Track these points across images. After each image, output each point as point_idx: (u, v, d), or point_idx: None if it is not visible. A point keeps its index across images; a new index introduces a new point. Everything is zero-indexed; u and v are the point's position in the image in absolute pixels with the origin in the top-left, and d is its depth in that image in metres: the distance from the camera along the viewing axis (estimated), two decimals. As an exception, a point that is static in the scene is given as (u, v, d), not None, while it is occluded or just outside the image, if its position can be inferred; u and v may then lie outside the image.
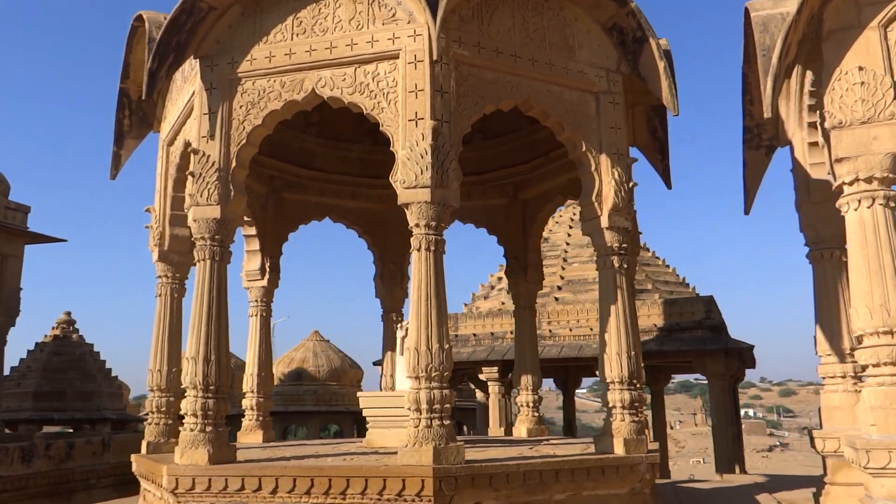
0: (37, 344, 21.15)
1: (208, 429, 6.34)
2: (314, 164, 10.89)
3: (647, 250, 17.85)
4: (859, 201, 6.19)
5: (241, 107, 6.79)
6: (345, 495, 5.71)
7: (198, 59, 7.01)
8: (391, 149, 6.42)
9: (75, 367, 20.48)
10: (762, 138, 9.19)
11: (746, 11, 7.77)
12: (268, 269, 10.22)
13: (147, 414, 8.06)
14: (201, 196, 6.62)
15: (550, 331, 15.65)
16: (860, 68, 6.25)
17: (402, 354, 8.66)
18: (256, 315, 10.04)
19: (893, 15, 6.23)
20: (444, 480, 5.55)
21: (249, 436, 9.61)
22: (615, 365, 6.80)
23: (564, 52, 7.12)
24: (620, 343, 6.82)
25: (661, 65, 7.06)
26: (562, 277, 16.62)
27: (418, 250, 6.15)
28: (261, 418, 9.79)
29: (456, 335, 16.36)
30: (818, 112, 6.79)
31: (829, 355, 8.04)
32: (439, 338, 5.92)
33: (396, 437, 7.97)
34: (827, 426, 7.91)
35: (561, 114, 7.02)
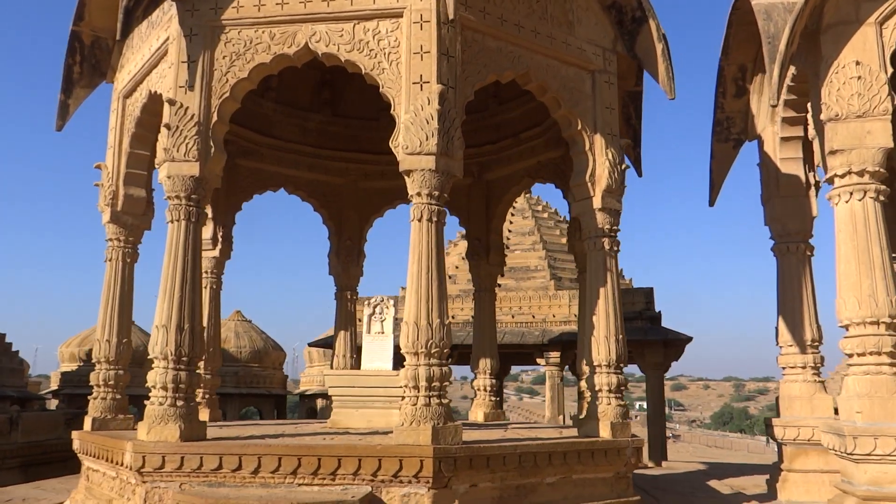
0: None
1: (179, 403, 5.82)
2: (271, 132, 10.31)
3: (586, 241, 18.02)
4: (851, 193, 6.32)
5: (224, 57, 6.26)
6: (335, 476, 5.36)
7: (173, 2, 6.40)
8: (392, 112, 6.08)
9: (-29, 341, 18.86)
10: (731, 132, 9.34)
11: (736, 3, 7.84)
12: (220, 239, 9.63)
13: (92, 387, 7.39)
14: (178, 151, 6.06)
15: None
16: (857, 63, 6.37)
17: (370, 333, 8.32)
18: (206, 287, 9.41)
19: (890, 12, 6.37)
20: (443, 461, 5.29)
21: (195, 415, 9.01)
22: (602, 348, 6.71)
23: (564, 26, 6.94)
24: (609, 326, 6.73)
25: (659, 47, 7.00)
26: (504, 265, 16.54)
27: (419, 220, 5.84)
28: (206, 396, 9.20)
29: (397, 318, 16.01)
30: (811, 105, 6.89)
31: (791, 346, 8.24)
32: (440, 312, 5.64)
33: (364, 418, 7.66)
34: (786, 415, 8.11)
35: (558, 90, 6.84)
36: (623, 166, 7.00)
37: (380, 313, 8.35)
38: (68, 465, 12.83)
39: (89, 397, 7.39)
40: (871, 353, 6.04)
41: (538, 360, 15.13)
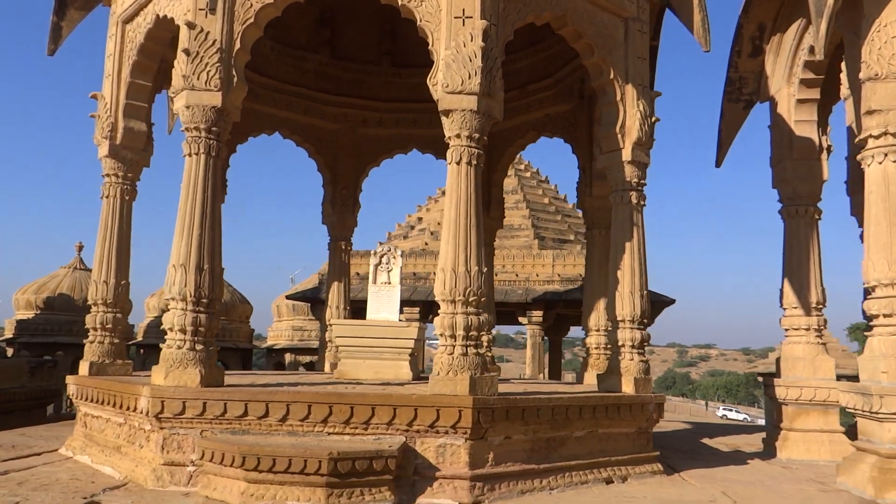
0: None
1: (199, 347, 5.51)
2: (267, 71, 9.82)
3: (567, 202, 17.98)
4: (885, 155, 6.26)
5: (248, -20, 5.81)
6: (368, 425, 5.15)
7: (190, -82, 5.91)
8: (430, 48, 5.74)
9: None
10: (743, 92, 9.24)
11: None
12: (214, 182, 9.15)
13: (89, 330, 6.99)
14: (198, 79, 5.64)
15: (476, 274, 15.44)
16: (900, 22, 6.27)
17: (376, 283, 8.06)
18: (199, 231, 8.99)
19: (935, -29, 6.26)
20: (482, 412, 5.12)
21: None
22: (627, 303, 6.60)
23: (601, -31, 6.66)
24: (634, 281, 6.62)
25: (696, -4, 6.78)
26: (503, 219, 16.36)
27: (457, 163, 5.58)
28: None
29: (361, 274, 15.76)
30: (845, 65, 6.78)
31: (795, 308, 8.29)
32: (478, 259, 5.42)
33: (372, 369, 7.46)
34: (788, 375, 8.20)
35: (592, 36, 6.59)
36: (653, 119, 6.82)
37: (386, 263, 8.09)
38: (32, 414, 12.35)
39: (86, 341, 6.99)
40: (898, 315, 6.06)
41: (520, 319, 15.09)
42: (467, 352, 5.31)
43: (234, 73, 5.73)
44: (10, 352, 21.72)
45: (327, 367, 10.02)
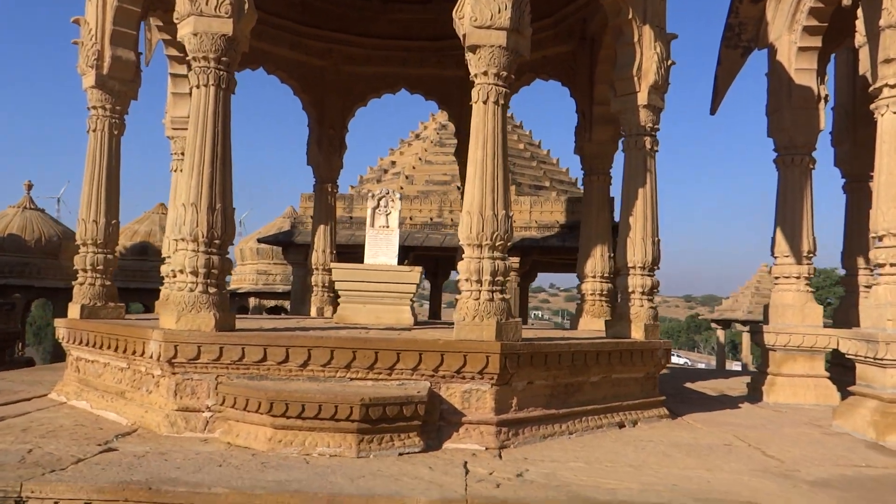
0: None
1: (211, 290, 5.27)
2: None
3: (542, 149, 17.85)
4: (900, 104, 6.28)
5: None
6: (392, 371, 5.03)
7: None
8: (455, -22, 5.44)
9: None
10: (742, 38, 9.16)
11: None
12: (198, 118, 8.71)
13: (78, 272, 6.65)
14: (206, 4, 5.25)
15: (452, 220, 15.29)
16: (922, -31, 6.21)
17: (374, 227, 7.86)
18: (182, 171, 8.58)
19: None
20: (508, 358, 5.04)
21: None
22: (639, 249, 6.56)
23: None
24: (646, 227, 6.57)
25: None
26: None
27: (484, 102, 5.36)
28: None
29: (350, 217, 15.50)
30: (862, 12, 6.72)
31: (787, 257, 8.41)
32: (505, 203, 5.26)
33: (372, 314, 7.32)
34: (777, 322, 8.36)
35: (613, -28, 6.36)
36: (669, 62, 6.68)
37: (384, 206, 7.88)
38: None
39: (74, 283, 6.65)
40: (906, 263, 6.17)
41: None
42: (493, 297, 5.20)
43: (245, -1, 5.34)
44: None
45: (313, 312, 9.84)
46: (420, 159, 16.70)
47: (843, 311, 10.07)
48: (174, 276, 6.30)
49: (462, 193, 10.54)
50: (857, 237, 10.25)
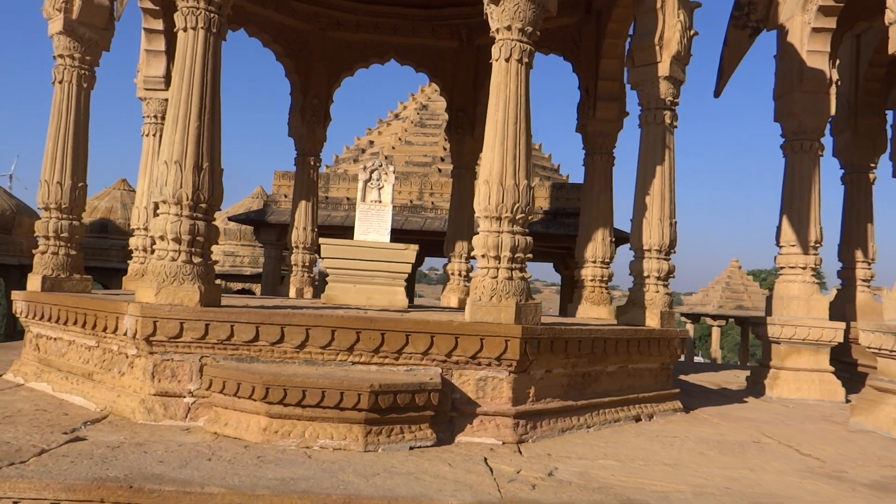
0: None
1: (196, 260, 4.67)
2: (233, -44, 8.59)
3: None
4: (935, 85, 5.95)
5: None
6: (399, 355, 4.50)
7: None
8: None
9: None
10: (751, 18, 8.78)
11: None
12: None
13: (39, 240, 5.96)
14: (197, -65, 4.62)
15: (433, 203, 14.75)
16: (961, -59, 5.87)
17: (365, 201, 7.30)
18: (155, 135, 7.91)
19: None
20: (529, 343, 4.56)
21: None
22: (656, 231, 6.13)
23: None
24: (664, 208, 6.14)
25: None
26: (444, 149, 15.60)
27: (506, 60, 4.82)
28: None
29: (326, 197, 14.84)
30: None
31: (793, 246, 8.08)
32: (527, 172, 4.76)
33: (363, 295, 6.78)
34: (782, 314, 8.02)
35: (638, -69, 5.89)
36: (692, 32, 6.24)
37: (377, 180, 7.31)
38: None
39: (35, 251, 5.96)
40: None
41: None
42: (513, 276, 4.70)
43: (240, -68, 4.72)
44: None
45: (292, 293, 9.23)
46: (400, 139, 16.10)
47: (839, 305, 9.82)
48: (151, 247, 5.67)
49: (454, 172, 10.03)
50: (855, 229, 10.01)
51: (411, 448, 4.12)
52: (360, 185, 7.35)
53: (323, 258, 6.93)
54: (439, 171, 15.28)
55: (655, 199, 6.16)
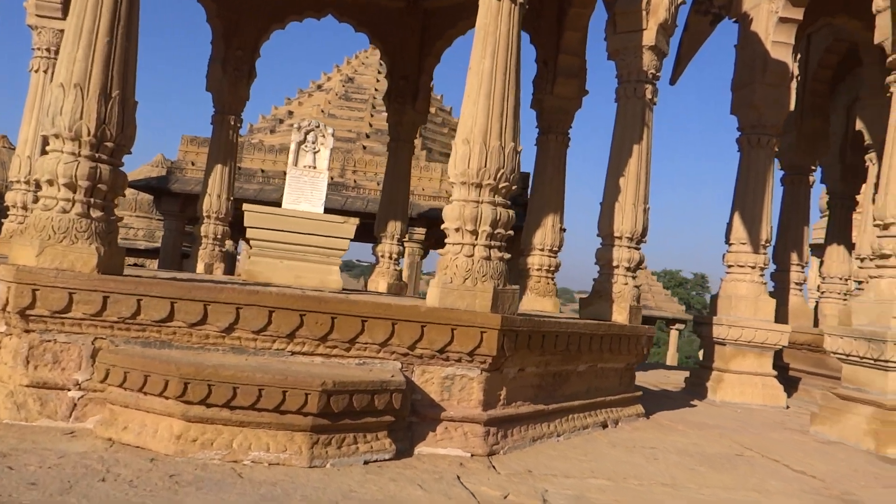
0: None
1: (96, 214, 3.65)
2: None
3: (452, 115, 16.71)
4: (922, 79, 5.63)
5: None
6: (352, 345, 3.66)
7: None
8: None
9: None
10: (713, 3, 8.39)
11: None
12: (71, 7, 6.77)
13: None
14: None
15: (356, 181, 13.79)
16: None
17: (297, 166, 6.36)
18: (47, 71, 6.66)
19: None
20: (507, 336, 3.82)
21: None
22: (628, 217, 5.53)
23: None
24: (638, 192, 5.55)
25: None
26: (370, 125, 14.69)
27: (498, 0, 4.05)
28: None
29: (239, 168, 13.60)
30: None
31: (744, 244, 7.75)
32: (514, 134, 4.01)
33: (291, 272, 5.89)
34: (729, 314, 7.67)
35: None
36: (680, 0, 5.67)
37: (313, 143, 6.39)
38: None
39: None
40: (917, 256, 5.53)
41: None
42: (491, 255, 3.95)
43: None
44: None
45: (200, 268, 8.15)
46: (322, 112, 15.04)
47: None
48: (34, 198, 4.57)
49: (390, 145, 9.17)
50: (792, 232, 9.86)
51: (366, 462, 3.30)
52: (293, 146, 6.39)
53: (246, 227, 5.95)
54: (364, 147, 14.35)
55: (630, 182, 5.56)
